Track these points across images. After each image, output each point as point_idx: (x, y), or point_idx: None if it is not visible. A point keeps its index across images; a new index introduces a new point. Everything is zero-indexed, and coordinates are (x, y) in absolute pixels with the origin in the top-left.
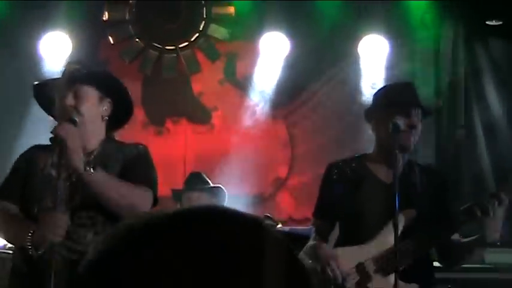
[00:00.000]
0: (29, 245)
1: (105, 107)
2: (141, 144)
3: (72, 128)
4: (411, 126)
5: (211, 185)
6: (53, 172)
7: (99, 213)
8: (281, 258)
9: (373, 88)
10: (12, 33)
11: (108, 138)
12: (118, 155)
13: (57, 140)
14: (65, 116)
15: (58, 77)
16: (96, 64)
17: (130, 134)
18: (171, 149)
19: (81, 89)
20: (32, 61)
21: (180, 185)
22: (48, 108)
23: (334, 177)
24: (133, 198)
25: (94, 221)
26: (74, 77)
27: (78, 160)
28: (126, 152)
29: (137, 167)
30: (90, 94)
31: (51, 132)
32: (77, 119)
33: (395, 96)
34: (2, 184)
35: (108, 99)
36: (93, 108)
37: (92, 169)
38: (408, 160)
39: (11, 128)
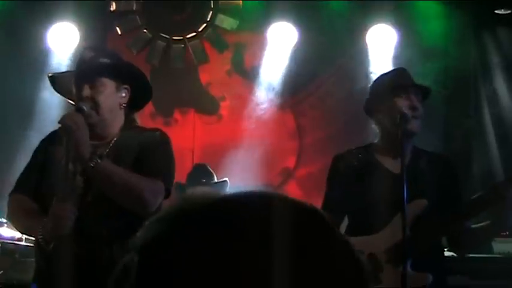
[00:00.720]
0: (41, 239)
1: (123, 94)
2: (158, 130)
3: (79, 116)
4: (413, 108)
5: (216, 179)
6: (70, 165)
7: (114, 209)
8: (342, 255)
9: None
10: (20, 25)
11: (129, 124)
12: (135, 142)
13: (64, 130)
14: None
15: (73, 69)
16: (114, 54)
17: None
18: (179, 139)
19: (97, 80)
20: (40, 52)
21: (188, 175)
22: (69, 97)
23: (341, 168)
24: (141, 190)
25: (108, 217)
26: (89, 68)
27: (84, 150)
28: (142, 140)
29: (150, 157)
30: (107, 84)
31: (59, 122)
32: (85, 108)
33: (391, 82)
34: (19, 177)
35: (125, 86)
36: (111, 98)
37: (99, 159)
38: (414, 148)
39: (20, 119)
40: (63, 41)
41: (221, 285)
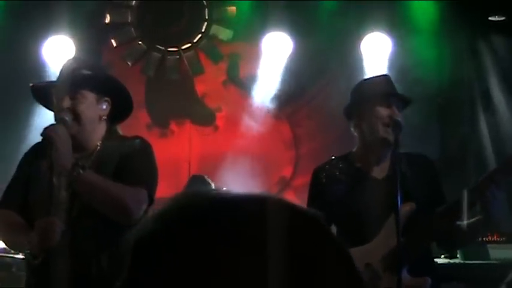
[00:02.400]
0: (28, 254)
1: (104, 106)
2: (139, 138)
3: (62, 128)
4: (392, 116)
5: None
6: (54, 179)
7: (101, 223)
8: (338, 263)
9: None
10: (15, 37)
11: (110, 134)
12: (115, 152)
13: (47, 141)
14: (57, 117)
15: (55, 79)
16: (96, 66)
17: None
18: (176, 150)
19: (77, 92)
20: (35, 65)
21: (184, 186)
22: (50, 107)
23: (324, 180)
24: (124, 199)
25: (95, 231)
26: (70, 79)
27: (66, 161)
28: (122, 149)
29: (131, 165)
30: (87, 96)
31: (41, 134)
32: (67, 119)
33: (373, 88)
34: (5, 191)
35: (106, 99)
36: (91, 109)
37: (81, 170)
38: (393, 152)
39: (15, 132)
40: (58, 54)
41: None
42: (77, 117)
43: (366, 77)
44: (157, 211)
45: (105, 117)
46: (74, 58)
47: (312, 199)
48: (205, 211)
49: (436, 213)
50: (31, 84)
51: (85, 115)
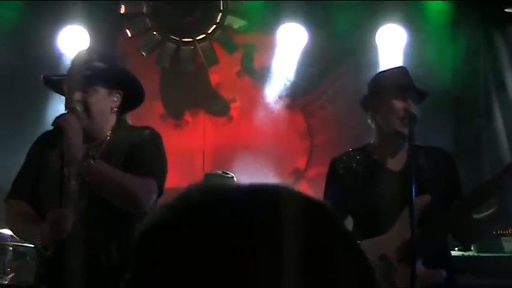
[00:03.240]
0: (39, 245)
1: (115, 99)
2: (149, 129)
3: (73, 117)
4: (408, 110)
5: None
6: (65, 169)
7: (110, 212)
8: (347, 252)
9: None
10: (30, 28)
11: (119, 124)
12: (125, 142)
13: (57, 132)
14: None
15: (66, 73)
16: (109, 57)
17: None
18: (190, 141)
19: (89, 86)
20: (51, 56)
21: (198, 177)
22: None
23: (341, 172)
24: (134, 189)
25: (104, 221)
26: (81, 72)
27: (77, 151)
28: (131, 139)
29: (141, 155)
30: (99, 90)
31: (52, 124)
32: (78, 108)
33: (389, 81)
34: (14, 181)
35: (118, 91)
36: (102, 102)
37: (91, 160)
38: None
39: (30, 124)
40: (73, 44)
41: (213, 283)
42: (87, 110)
43: (381, 68)
44: (166, 202)
45: (115, 109)
46: (87, 49)
47: (329, 190)
48: (216, 202)
49: (452, 206)
50: (42, 76)
51: (96, 108)
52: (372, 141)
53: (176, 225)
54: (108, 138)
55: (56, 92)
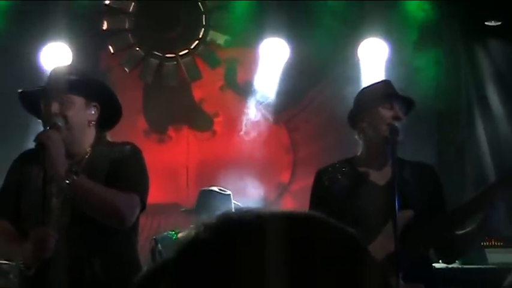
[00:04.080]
0: (22, 264)
1: (92, 112)
2: (129, 144)
3: (55, 133)
4: (397, 118)
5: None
6: (47, 186)
7: (92, 228)
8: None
9: None
10: (12, 45)
11: (99, 140)
12: (106, 158)
13: (40, 147)
14: (50, 122)
15: (43, 85)
16: (84, 71)
17: (132, 141)
18: (174, 156)
19: (65, 96)
20: (33, 72)
21: (182, 192)
22: (37, 114)
23: (326, 183)
24: (117, 204)
25: (87, 236)
26: (57, 84)
27: (60, 167)
28: (113, 155)
29: (123, 170)
30: (76, 100)
31: (34, 140)
32: (60, 124)
33: (374, 91)
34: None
35: (94, 104)
36: (79, 114)
37: (74, 176)
38: (397, 158)
39: (12, 140)
40: (56, 60)
41: None
42: (66, 121)
43: (363, 82)
44: (204, 223)
45: (93, 123)
46: (62, 65)
47: (314, 201)
48: (255, 228)
49: (435, 221)
50: (20, 91)
51: (74, 120)
52: (358, 154)
53: (216, 244)
54: (88, 154)
55: (30, 111)
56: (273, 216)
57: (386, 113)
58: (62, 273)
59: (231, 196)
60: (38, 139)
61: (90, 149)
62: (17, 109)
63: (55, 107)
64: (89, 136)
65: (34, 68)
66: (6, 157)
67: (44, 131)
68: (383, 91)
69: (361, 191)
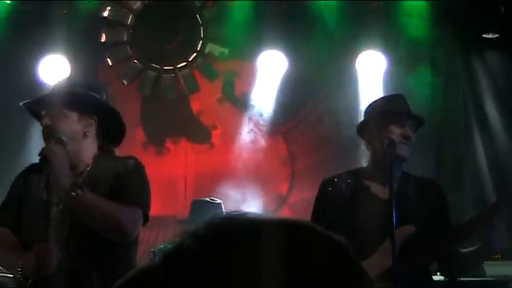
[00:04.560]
0: (20, 274)
1: (86, 125)
2: (132, 158)
3: (59, 148)
4: (406, 137)
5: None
6: (45, 196)
7: (92, 240)
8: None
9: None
10: (10, 57)
11: (102, 154)
12: (108, 171)
13: (44, 162)
14: (46, 136)
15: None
16: (89, 85)
17: (130, 154)
18: (172, 168)
19: (57, 109)
20: (31, 84)
21: (180, 204)
22: None
23: (330, 193)
24: (120, 218)
25: (86, 249)
26: (50, 97)
27: (65, 181)
28: (115, 169)
29: (126, 185)
30: (67, 114)
31: (39, 154)
32: (64, 138)
33: (387, 107)
34: (1, 209)
35: (90, 117)
36: (72, 127)
37: (79, 190)
38: (403, 173)
39: (11, 153)
40: (54, 73)
41: None
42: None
43: (361, 94)
44: (191, 229)
45: (88, 134)
46: (67, 78)
47: (316, 211)
48: (242, 233)
49: (437, 236)
50: (21, 103)
51: (65, 133)
52: (364, 166)
53: (201, 251)
54: (90, 167)
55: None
56: (260, 224)
57: (396, 130)
58: (60, 286)
59: (222, 205)
60: (42, 153)
61: (91, 161)
62: (14, 120)
63: (45, 120)
64: (88, 149)
65: (32, 80)
66: (5, 166)
67: (47, 145)
68: (396, 108)
69: (363, 204)
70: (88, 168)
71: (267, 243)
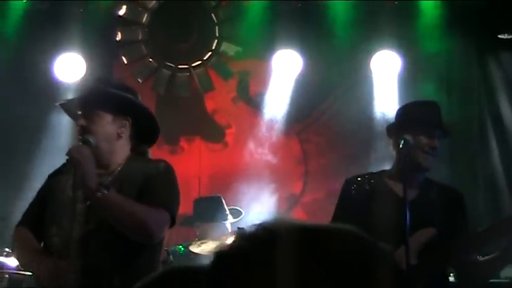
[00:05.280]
0: (36, 281)
1: (121, 125)
2: (163, 161)
3: (86, 149)
4: (432, 148)
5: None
6: (70, 193)
7: (118, 239)
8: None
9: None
10: (26, 55)
11: (134, 155)
12: (139, 173)
13: (71, 162)
14: (78, 136)
15: (76, 96)
16: (121, 85)
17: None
18: (186, 167)
19: (93, 110)
20: (47, 83)
21: None
22: None
23: (353, 192)
24: (146, 221)
25: (110, 248)
26: (87, 98)
27: (92, 181)
28: (146, 171)
29: (155, 187)
30: (102, 115)
31: (66, 154)
32: (91, 140)
33: (418, 115)
34: (26, 209)
35: (124, 118)
36: (106, 128)
37: (106, 190)
38: (426, 179)
39: (27, 151)
40: (69, 71)
41: None
42: (91, 135)
43: (375, 94)
44: (245, 231)
45: (122, 135)
46: (100, 78)
47: (339, 209)
48: (296, 238)
49: (457, 241)
50: (57, 103)
51: (99, 134)
52: (389, 169)
53: (258, 252)
54: (120, 167)
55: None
56: (304, 230)
57: (424, 140)
58: (81, 284)
59: (221, 198)
60: (70, 153)
61: (123, 162)
62: (31, 119)
63: (81, 120)
64: (121, 150)
65: (48, 79)
66: (19, 166)
67: (74, 145)
68: (428, 118)
69: (385, 204)
70: (119, 169)
71: (311, 251)
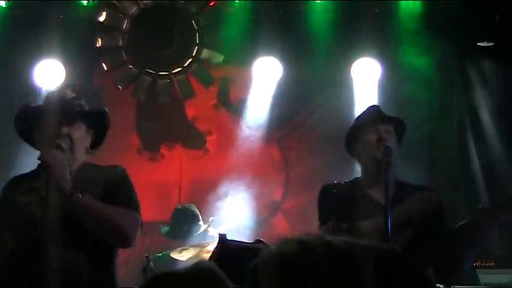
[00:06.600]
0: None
1: (90, 138)
2: (119, 166)
3: (60, 154)
4: (379, 140)
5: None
6: (24, 199)
7: (86, 245)
8: None
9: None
10: (5, 61)
11: (85, 161)
12: (97, 178)
13: (44, 166)
14: (51, 140)
15: (43, 102)
16: (88, 93)
17: (125, 160)
18: (166, 174)
19: (74, 121)
20: (27, 89)
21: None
22: (27, 133)
23: (332, 195)
24: (122, 223)
25: (80, 253)
26: (69, 109)
27: (66, 185)
28: (106, 175)
29: (120, 190)
30: (81, 127)
31: (38, 159)
32: (64, 145)
33: (361, 119)
34: None
35: (92, 131)
36: (83, 139)
37: (80, 193)
38: (397, 181)
39: (5, 159)
40: (49, 77)
41: None
42: (72, 144)
43: (356, 102)
44: (288, 240)
45: (86, 147)
46: (70, 85)
47: (324, 211)
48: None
49: (434, 240)
50: (23, 105)
51: (78, 144)
52: (360, 176)
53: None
54: (76, 172)
55: (22, 129)
56: (362, 248)
57: (371, 137)
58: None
59: (194, 207)
60: (42, 158)
61: (77, 169)
62: (10, 126)
63: (65, 129)
64: (81, 158)
65: (27, 85)
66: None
67: (47, 150)
68: (367, 117)
69: (362, 208)
70: (71, 176)
71: (364, 268)
